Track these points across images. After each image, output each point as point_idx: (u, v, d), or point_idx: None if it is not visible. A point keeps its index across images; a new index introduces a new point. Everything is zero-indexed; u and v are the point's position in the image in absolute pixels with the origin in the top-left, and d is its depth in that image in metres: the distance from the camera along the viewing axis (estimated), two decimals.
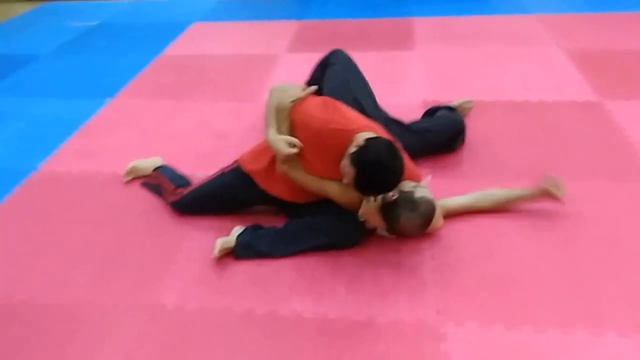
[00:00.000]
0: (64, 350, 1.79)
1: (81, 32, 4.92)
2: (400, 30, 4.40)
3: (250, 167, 2.25)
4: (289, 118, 2.12)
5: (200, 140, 2.98)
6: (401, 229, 1.98)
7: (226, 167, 2.35)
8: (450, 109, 2.81)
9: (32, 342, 1.82)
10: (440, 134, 2.62)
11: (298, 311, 1.87)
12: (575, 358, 1.64)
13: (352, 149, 1.93)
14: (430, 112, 2.80)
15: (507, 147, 2.70)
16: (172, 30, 4.81)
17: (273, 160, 2.18)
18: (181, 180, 2.48)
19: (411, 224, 1.95)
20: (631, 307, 1.79)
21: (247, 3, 5.52)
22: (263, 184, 2.23)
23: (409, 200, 1.92)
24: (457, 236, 2.14)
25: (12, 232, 2.36)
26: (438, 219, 2.10)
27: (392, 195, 1.93)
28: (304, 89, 2.20)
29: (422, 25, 4.48)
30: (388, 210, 1.94)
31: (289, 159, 2.08)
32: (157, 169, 2.59)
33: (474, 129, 2.83)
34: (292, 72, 3.82)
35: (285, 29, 4.67)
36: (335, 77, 2.53)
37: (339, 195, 2.07)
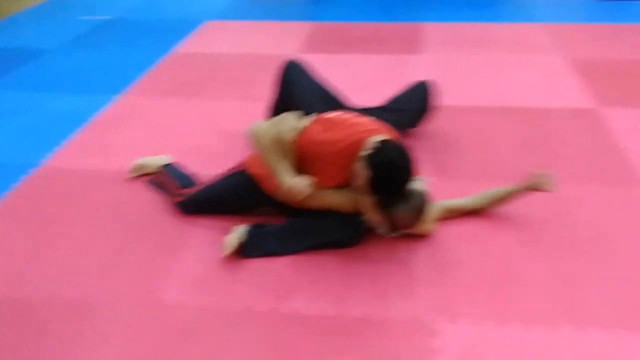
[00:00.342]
0: (64, 347, 1.77)
1: (92, 27, 4.92)
2: (411, 35, 4.49)
3: (255, 170, 2.24)
4: (293, 151, 2.13)
5: (209, 139, 2.95)
6: (395, 222, 2.03)
7: (231, 169, 2.34)
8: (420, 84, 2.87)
9: (30, 339, 1.80)
10: (414, 106, 2.76)
11: (297, 308, 1.89)
12: (559, 353, 1.71)
13: (365, 152, 1.98)
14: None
15: (507, 151, 2.79)
16: (184, 27, 4.80)
17: None
18: (187, 180, 2.45)
19: (403, 217, 2.00)
20: (614, 306, 1.87)
21: (260, 3, 5.53)
22: (268, 188, 2.22)
23: (402, 193, 1.99)
24: (453, 236, 2.20)
25: (12, 227, 2.33)
26: (431, 223, 2.15)
27: None
28: (295, 119, 2.19)
29: (433, 30, 4.58)
30: (385, 207, 2.00)
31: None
32: (163, 166, 2.56)
33: (473, 132, 2.95)
34: None
35: (298, 29, 4.68)
36: (308, 90, 2.59)
37: (343, 205, 2.13)
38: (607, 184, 2.51)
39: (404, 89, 2.85)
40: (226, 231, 2.19)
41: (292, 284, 2.00)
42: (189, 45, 4.40)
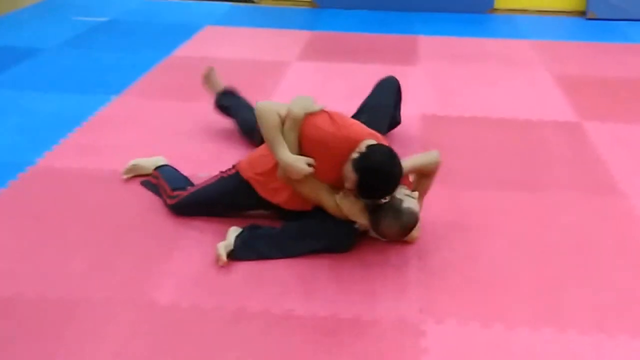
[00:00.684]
0: (53, 347, 1.76)
1: (89, 28, 4.92)
2: (406, 47, 4.60)
3: (249, 173, 2.25)
4: (298, 129, 2.12)
5: (204, 142, 2.97)
6: (381, 231, 2.08)
7: (225, 172, 2.35)
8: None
9: (20, 338, 1.79)
10: (385, 102, 2.81)
11: (289, 309, 1.91)
12: (540, 354, 1.77)
13: (355, 155, 2.01)
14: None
15: (495, 159, 2.89)
16: (183, 31, 4.83)
17: (272, 167, 2.19)
18: (180, 182, 2.45)
19: (390, 230, 2.06)
20: (593, 309, 1.94)
21: (261, 10, 5.58)
22: (262, 191, 2.24)
23: (395, 207, 2.02)
24: (442, 239, 2.27)
25: (4, 226, 2.32)
26: (416, 230, 2.19)
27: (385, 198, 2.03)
28: (309, 101, 2.19)
29: (426, 43, 4.71)
30: (374, 212, 2.05)
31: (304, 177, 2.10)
32: (158, 168, 2.57)
33: (464, 141, 3.06)
34: (301, 79, 3.87)
35: (297, 37, 4.74)
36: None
37: (334, 209, 2.14)
38: (589, 193, 2.61)
39: (372, 89, 2.88)
40: (220, 232, 2.20)
41: (285, 285, 2.02)
42: (188, 49, 4.42)
